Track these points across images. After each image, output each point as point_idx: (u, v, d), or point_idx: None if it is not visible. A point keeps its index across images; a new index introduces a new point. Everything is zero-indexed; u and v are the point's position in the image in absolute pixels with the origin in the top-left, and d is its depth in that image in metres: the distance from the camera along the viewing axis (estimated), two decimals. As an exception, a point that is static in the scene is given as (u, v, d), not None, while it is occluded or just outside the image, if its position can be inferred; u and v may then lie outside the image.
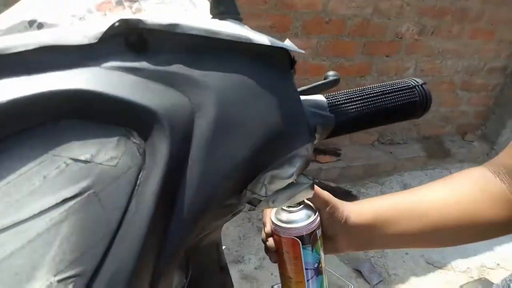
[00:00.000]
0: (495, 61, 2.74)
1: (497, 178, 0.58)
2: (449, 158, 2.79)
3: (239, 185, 0.34)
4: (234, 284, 1.65)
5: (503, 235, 0.59)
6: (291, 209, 0.55)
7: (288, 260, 0.56)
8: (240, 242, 1.92)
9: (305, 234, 0.52)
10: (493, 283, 1.92)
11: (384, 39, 2.32)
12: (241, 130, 0.31)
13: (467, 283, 1.91)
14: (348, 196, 1.97)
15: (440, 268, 1.99)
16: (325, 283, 0.57)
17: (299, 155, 0.36)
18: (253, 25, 0.51)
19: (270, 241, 0.57)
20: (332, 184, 2.07)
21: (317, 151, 2.34)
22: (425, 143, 2.74)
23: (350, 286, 1.73)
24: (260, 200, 0.38)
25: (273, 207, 0.38)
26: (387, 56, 2.38)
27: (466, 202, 0.57)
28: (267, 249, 0.58)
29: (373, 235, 0.58)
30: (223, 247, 0.87)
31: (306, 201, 0.55)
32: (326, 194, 0.56)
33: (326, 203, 0.55)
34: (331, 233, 0.57)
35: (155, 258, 0.28)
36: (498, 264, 2.07)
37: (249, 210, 0.45)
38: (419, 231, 0.57)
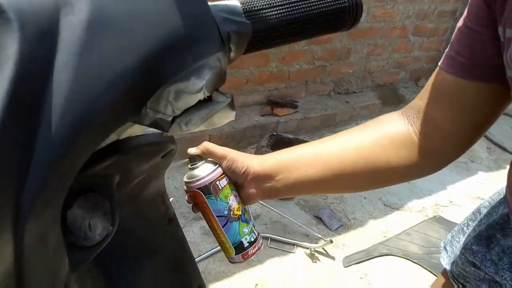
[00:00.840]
0: (445, 4, 2.75)
1: (407, 120, 0.59)
2: (403, 104, 2.83)
3: (132, 101, 0.29)
4: (196, 240, 1.63)
5: (405, 179, 0.62)
6: (193, 166, 0.63)
7: (201, 210, 0.64)
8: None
9: (204, 186, 0.60)
10: (447, 220, 2.00)
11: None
12: (125, 31, 0.25)
13: (423, 221, 2.00)
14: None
15: (397, 209, 2.05)
16: (246, 229, 0.63)
17: (208, 66, 0.31)
18: None
19: (187, 197, 0.65)
20: (290, 136, 2.05)
21: (274, 104, 2.31)
22: (379, 91, 2.77)
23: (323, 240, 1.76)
24: (171, 122, 0.33)
25: (187, 131, 0.34)
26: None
27: (367, 147, 0.59)
28: (189, 202, 0.66)
29: (276, 182, 0.62)
30: (171, 198, 0.82)
31: (208, 158, 0.63)
32: (222, 149, 0.63)
33: (223, 156, 0.62)
34: (239, 183, 0.63)
35: (14, 184, 0.22)
36: (451, 202, 2.16)
37: (162, 136, 0.40)
38: (320, 177, 0.60)
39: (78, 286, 0.46)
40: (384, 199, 2.10)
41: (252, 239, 0.64)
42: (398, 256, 1.76)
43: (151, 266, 0.78)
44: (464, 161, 2.55)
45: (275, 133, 2.04)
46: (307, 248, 1.72)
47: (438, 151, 0.58)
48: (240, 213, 0.62)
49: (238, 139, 2.17)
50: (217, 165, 0.62)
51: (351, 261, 1.71)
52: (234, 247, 0.64)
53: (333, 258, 1.72)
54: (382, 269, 1.70)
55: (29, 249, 0.23)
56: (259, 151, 1.93)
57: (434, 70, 0.60)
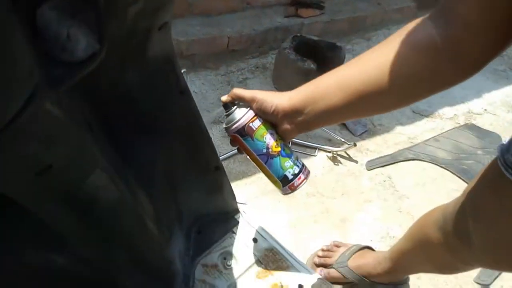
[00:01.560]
0: None
1: (433, 24, 0.52)
2: (441, 8, 2.59)
3: None
4: (216, 142, 1.59)
5: (433, 91, 0.57)
6: (227, 112, 0.68)
7: (244, 152, 0.69)
8: (219, 104, 1.83)
9: (239, 129, 0.66)
10: (480, 127, 1.88)
11: None
12: None
13: (453, 128, 1.90)
14: (333, 49, 1.83)
15: (427, 116, 1.95)
16: (287, 163, 0.67)
17: None
18: None
19: (230, 141, 0.71)
20: (315, 38, 1.91)
21: (299, 4, 2.13)
22: (415, -7, 2.52)
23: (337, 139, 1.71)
24: None
25: None
26: None
27: (389, 63, 0.54)
28: (233, 146, 0.72)
29: (306, 115, 0.62)
30: (182, 70, 0.75)
31: (239, 103, 0.68)
32: (250, 92, 0.66)
33: (252, 99, 0.65)
34: (273, 121, 0.66)
35: None
36: (485, 110, 2.04)
37: None
38: (346, 102, 0.59)
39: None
40: (413, 106, 1.99)
41: (296, 171, 0.67)
42: (425, 161, 1.70)
43: (165, 143, 0.75)
44: (503, 69, 2.36)
45: (298, 34, 1.90)
46: (329, 152, 1.67)
47: (465, 55, 0.51)
48: (279, 149, 0.66)
49: (259, 43, 2.05)
50: (248, 108, 0.66)
51: (374, 164, 1.66)
52: (280, 180, 0.68)
53: (355, 161, 1.67)
54: (407, 172, 1.65)
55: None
56: (281, 54, 1.82)
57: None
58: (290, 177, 0.67)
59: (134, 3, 0.42)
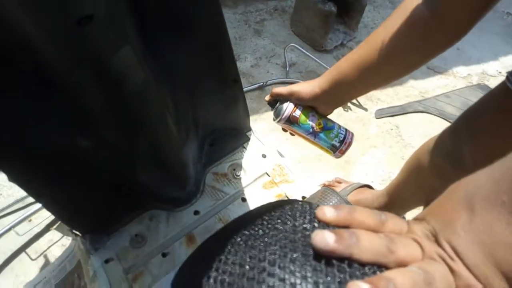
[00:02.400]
0: None
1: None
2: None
3: None
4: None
5: (427, 58, 0.63)
6: (273, 109, 0.79)
7: (295, 134, 0.80)
8: (236, 43, 1.84)
9: (285, 120, 0.76)
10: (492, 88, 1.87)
11: None
12: None
13: (465, 87, 1.90)
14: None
15: (441, 73, 1.95)
16: (332, 134, 0.77)
17: None
18: None
19: (282, 129, 0.83)
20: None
21: None
22: None
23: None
24: None
25: None
26: None
27: (386, 38, 0.63)
28: (285, 131, 0.83)
29: (335, 97, 0.74)
30: None
31: (280, 99, 0.78)
32: (287, 89, 0.76)
33: (290, 94, 0.76)
34: (312, 106, 0.77)
35: None
36: (499, 72, 2.03)
37: None
38: (357, 80, 0.68)
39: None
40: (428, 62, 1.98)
41: (341, 138, 0.77)
42: (433, 115, 1.72)
43: (189, 46, 0.77)
44: (524, 35, 2.33)
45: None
46: (341, 97, 1.69)
47: (449, 25, 0.58)
48: (322, 125, 0.77)
49: None
50: (288, 102, 0.77)
51: (383, 113, 1.69)
52: (329, 149, 0.78)
53: (365, 109, 1.70)
54: (415, 123, 1.67)
55: None
56: (302, -4, 1.80)
57: None
58: (337, 144, 0.77)
59: None
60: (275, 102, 0.80)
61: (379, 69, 0.66)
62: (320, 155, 1.48)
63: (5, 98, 0.54)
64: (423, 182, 0.94)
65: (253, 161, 0.94)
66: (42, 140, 0.65)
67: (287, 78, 1.73)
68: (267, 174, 0.92)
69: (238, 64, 1.74)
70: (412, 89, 1.83)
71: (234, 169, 0.93)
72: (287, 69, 1.77)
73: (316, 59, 1.80)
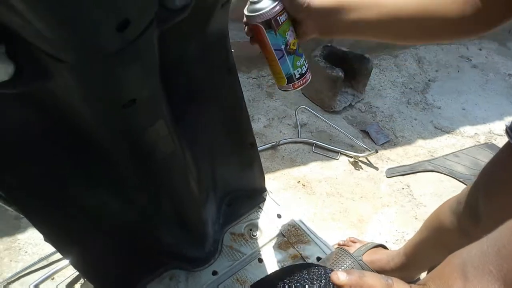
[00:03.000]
0: None
1: None
2: (469, 32, 2.66)
3: None
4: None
5: (455, 35, 0.63)
6: (254, 0, 0.64)
7: (259, 43, 0.68)
8: (250, 105, 1.94)
9: (265, 20, 0.63)
10: (499, 147, 1.92)
11: None
12: None
13: (473, 146, 1.95)
14: (361, 60, 1.92)
15: (448, 132, 2.01)
16: (299, 62, 0.69)
17: None
18: None
19: (247, 29, 0.69)
20: (344, 49, 2.00)
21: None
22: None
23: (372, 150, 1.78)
24: None
25: None
26: None
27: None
28: (248, 35, 0.70)
29: (335, 20, 0.65)
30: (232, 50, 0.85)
31: None
32: None
33: None
34: (299, 18, 0.66)
35: None
36: (506, 131, 2.07)
37: None
38: (376, 20, 0.62)
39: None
40: (435, 122, 2.05)
41: (303, 72, 0.70)
42: (443, 174, 1.75)
43: (210, 115, 0.84)
44: (527, 95, 2.40)
45: (329, 44, 2.00)
46: (351, 157, 1.74)
47: (488, 7, 0.58)
48: (295, 47, 0.67)
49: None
50: (278, 0, 0.63)
51: (394, 172, 1.72)
52: (286, 77, 0.70)
53: (376, 168, 1.74)
54: (425, 183, 1.70)
55: None
56: (311, 62, 1.92)
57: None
58: (297, 76, 0.69)
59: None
60: None
61: (400, 21, 0.62)
62: (333, 214, 1.51)
63: (54, 163, 0.60)
64: (445, 240, 0.94)
65: (268, 221, 0.97)
66: (80, 201, 0.70)
67: (298, 137, 1.80)
68: (283, 235, 0.95)
69: (252, 124, 1.82)
70: (421, 148, 1.88)
71: (251, 229, 0.96)
72: (299, 129, 1.84)
73: (326, 120, 1.87)
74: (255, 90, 2.03)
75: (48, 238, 0.68)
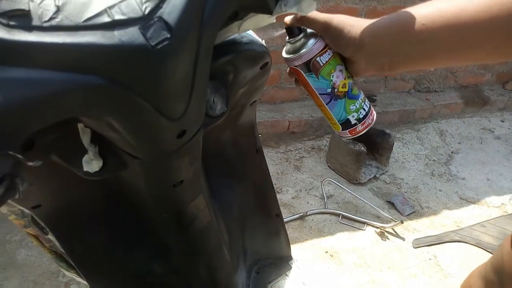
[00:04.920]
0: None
1: None
2: (488, 106, 2.77)
3: None
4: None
5: None
6: (291, 40, 0.58)
7: (304, 87, 0.61)
8: (278, 177, 2.07)
9: (303, 63, 0.57)
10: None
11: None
12: None
13: (501, 216, 1.96)
14: (382, 135, 2.05)
15: (474, 203, 2.04)
16: (353, 106, 0.59)
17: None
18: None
19: (288, 71, 0.62)
20: (366, 125, 2.15)
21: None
22: (462, 91, 2.73)
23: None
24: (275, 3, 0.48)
25: (284, 11, 0.43)
26: None
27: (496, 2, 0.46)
28: (290, 77, 0.63)
29: (394, 56, 0.53)
30: (259, 135, 1.01)
31: (308, 30, 0.57)
32: (324, 17, 0.55)
33: (325, 26, 0.55)
34: (347, 56, 0.56)
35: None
36: (534, 201, 2.09)
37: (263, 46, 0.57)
38: (448, 45, 0.50)
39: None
40: (460, 192, 2.09)
41: (361, 116, 0.60)
42: (470, 244, 1.77)
43: (240, 189, 0.98)
44: (555, 165, 2.42)
45: (351, 122, 2.15)
46: (378, 228, 1.80)
47: None
48: (346, 89, 0.58)
49: (315, 127, 2.32)
50: (318, 37, 0.56)
51: (421, 243, 1.76)
52: (340, 124, 0.61)
53: (402, 239, 1.78)
54: (453, 253, 1.72)
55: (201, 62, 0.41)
56: (335, 138, 2.07)
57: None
58: (353, 121, 0.60)
59: (243, 87, 0.69)
60: (299, 30, 0.57)
61: (476, 46, 0.49)
62: (361, 285, 1.55)
63: (106, 231, 0.74)
64: None
65: (294, 287, 1.05)
66: (126, 265, 0.82)
67: (325, 208, 1.89)
68: (308, 300, 1.02)
69: (280, 196, 1.94)
70: (446, 218, 1.92)
71: (278, 295, 1.04)
72: (325, 200, 1.93)
73: (351, 192, 1.97)
74: (283, 164, 2.17)
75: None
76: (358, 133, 0.62)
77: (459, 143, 2.50)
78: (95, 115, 0.38)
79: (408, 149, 2.40)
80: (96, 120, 0.41)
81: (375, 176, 2.12)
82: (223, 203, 0.93)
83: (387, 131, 2.09)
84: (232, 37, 0.57)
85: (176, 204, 0.72)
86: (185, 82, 0.40)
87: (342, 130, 0.62)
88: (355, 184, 2.07)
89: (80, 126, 0.45)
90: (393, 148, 2.13)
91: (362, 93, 0.61)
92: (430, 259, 1.69)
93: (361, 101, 0.61)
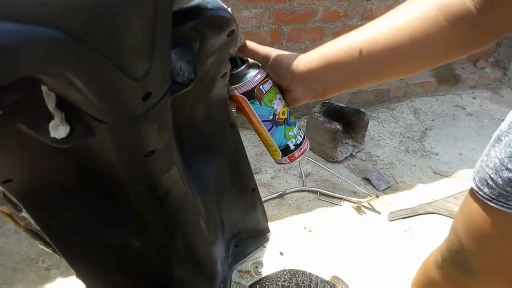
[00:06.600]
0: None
1: None
2: (460, 84, 2.84)
3: None
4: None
5: (457, 56, 0.57)
6: (235, 70, 0.62)
7: (245, 115, 0.65)
8: (257, 158, 2.09)
9: (247, 91, 0.60)
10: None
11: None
12: None
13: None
14: (357, 113, 2.09)
15: (447, 176, 2.11)
16: (291, 132, 0.64)
17: None
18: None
19: (230, 101, 0.68)
20: (342, 104, 2.18)
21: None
22: (435, 70, 2.79)
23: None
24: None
25: None
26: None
27: (420, 28, 0.52)
28: (232, 107, 0.68)
29: (326, 83, 0.59)
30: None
31: (250, 60, 0.62)
32: (265, 49, 0.61)
33: (266, 57, 0.61)
34: (284, 86, 0.62)
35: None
36: (504, 173, 2.16)
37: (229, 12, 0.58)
38: (373, 70, 0.58)
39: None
40: (434, 167, 2.16)
41: (298, 142, 0.65)
42: (444, 215, 1.83)
43: (215, 164, 0.99)
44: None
45: (327, 101, 2.18)
46: (354, 203, 1.85)
47: (496, 29, 0.52)
48: (285, 117, 0.62)
49: (293, 109, 2.34)
50: (260, 68, 0.61)
51: (396, 216, 1.81)
52: (280, 150, 0.65)
53: (378, 212, 1.83)
54: (427, 225, 1.78)
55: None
56: (312, 117, 2.09)
57: (494, 51, 0.61)
58: (292, 147, 0.64)
59: (212, 55, 0.69)
60: (241, 61, 0.62)
61: (397, 61, 0.55)
62: (339, 256, 1.59)
63: (81, 205, 0.75)
64: None
65: (272, 258, 1.08)
66: (108, 240, 0.83)
67: (303, 186, 1.92)
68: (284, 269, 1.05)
69: (260, 176, 1.96)
70: (421, 192, 1.98)
71: (256, 267, 1.07)
72: (303, 178, 1.97)
73: (329, 169, 2.00)
74: (262, 145, 2.19)
75: (79, 274, 0.81)
76: (295, 159, 0.66)
77: (432, 120, 2.56)
78: (55, 72, 0.39)
79: (383, 127, 2.45)
80: (58, 80, 0.42)
81: (351, 154, 2.16)
82: (198, 178, 0.95)
83: (362, 109, 2.12)
84: (196, 2, 0.58)
85: (150, 175, 0.73)
86: (144, 40, 0.41)
87: (282, 156, 0.66)
88: (332, 162, 2.11)
89: (44, 89, 0.45)
90: (369, 126, 2.18)
91: (297, 122, 0.67)
92: (405, 230, 1.75)
93: (297, 128, 0.66)
